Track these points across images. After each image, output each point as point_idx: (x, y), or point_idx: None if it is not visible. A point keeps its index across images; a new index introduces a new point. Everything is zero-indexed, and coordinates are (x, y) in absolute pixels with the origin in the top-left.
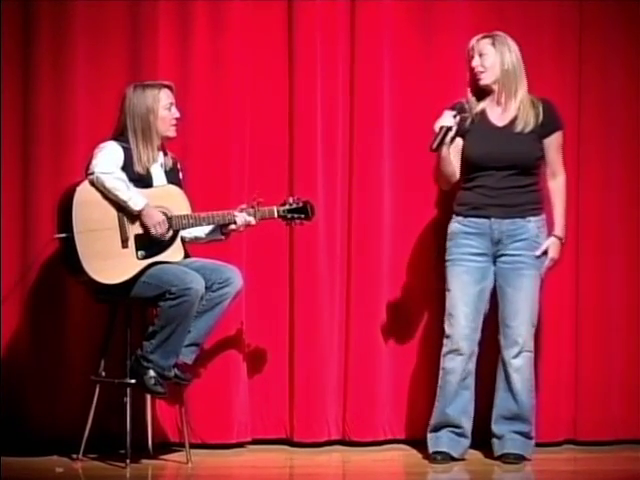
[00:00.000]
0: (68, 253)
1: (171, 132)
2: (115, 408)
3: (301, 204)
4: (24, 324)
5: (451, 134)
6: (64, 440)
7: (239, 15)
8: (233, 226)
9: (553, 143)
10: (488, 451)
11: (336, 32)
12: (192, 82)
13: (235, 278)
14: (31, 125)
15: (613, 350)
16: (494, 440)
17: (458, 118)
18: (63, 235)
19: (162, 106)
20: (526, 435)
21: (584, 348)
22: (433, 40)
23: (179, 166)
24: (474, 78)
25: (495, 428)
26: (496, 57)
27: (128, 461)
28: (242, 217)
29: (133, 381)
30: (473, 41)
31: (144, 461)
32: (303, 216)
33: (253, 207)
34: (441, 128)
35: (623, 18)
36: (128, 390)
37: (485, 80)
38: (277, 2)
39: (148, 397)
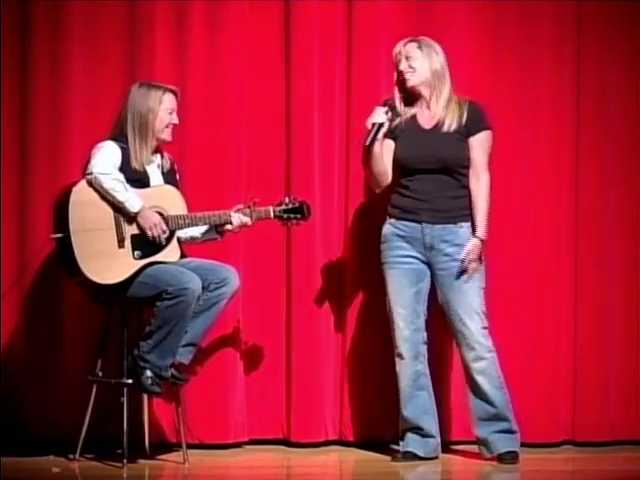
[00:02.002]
0: (64, 253)
1: (166, 135)
2: (112, 408)
3: (297, 204)
4: (21, 324)
5: (383, 130)
6: (61, 440)
7: (236, 15)
8: (229, 226)
9: (479, 143)
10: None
11: (333, 32)
12: (189, 82)
13: (232, 278)
14: (28, 125)
15: (611, 351)
16: (479, 444)
17: (390, 114)
18: (59, 235)
19: (163, 108)
20: (509, 431)
21: (582, 349)
22: None
23: (176, 167)
24: (401, 82)
25: (477, 431)
26: (424, 59)
27: (125, 461)
28: (238, 217)
29: (130, 381)
30: (399, 46)
31: (141, 461)
32: (299, 216)
33: (249, 207)
34: (373, 125)
35: (621, 18)
36: (125, 390)
37: (413, 81)
38: (274, 2)
39: (145, 397)
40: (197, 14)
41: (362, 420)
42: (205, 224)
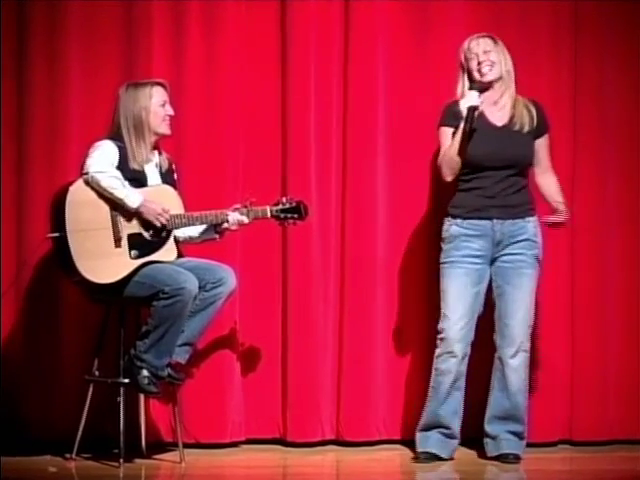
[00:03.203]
0: (61, 253)
1: (164, 129)
2: (109, 408)
3: (294, 204)
4: (18, 324)
5: (477, 113)
6: (58, 440)
7: (233, 15)
8: (226, 225)
9: (546, 142)
10: (481, 451)
11: (330, 32)
12: (186, 82)
13: (229, 278)
14: (26, 125)
15: (609, 350)
16: (487, 440)
17: (482, 97)
18: (56, 234)
19: (155, 103)
20: (520, 435)
21: (580, 348)
22: (428, 40)
23: (174, 167)
24: (472, 76)
25: (489, 428)
26: (500, 55)
27: (122, 461)
28: (235, 217)
29: (127, 381)
30: (472, 40)
31: (138, 461)
32: (296, 216)
33: (246, 207)
34: (469, 109)
35: (619, 18)
36: (122, 390)
37: (492, 75)
38: (271, 2)
39: (142, 397)
40: (194, 14)
41: (359, 420)
42: (202, 223)
